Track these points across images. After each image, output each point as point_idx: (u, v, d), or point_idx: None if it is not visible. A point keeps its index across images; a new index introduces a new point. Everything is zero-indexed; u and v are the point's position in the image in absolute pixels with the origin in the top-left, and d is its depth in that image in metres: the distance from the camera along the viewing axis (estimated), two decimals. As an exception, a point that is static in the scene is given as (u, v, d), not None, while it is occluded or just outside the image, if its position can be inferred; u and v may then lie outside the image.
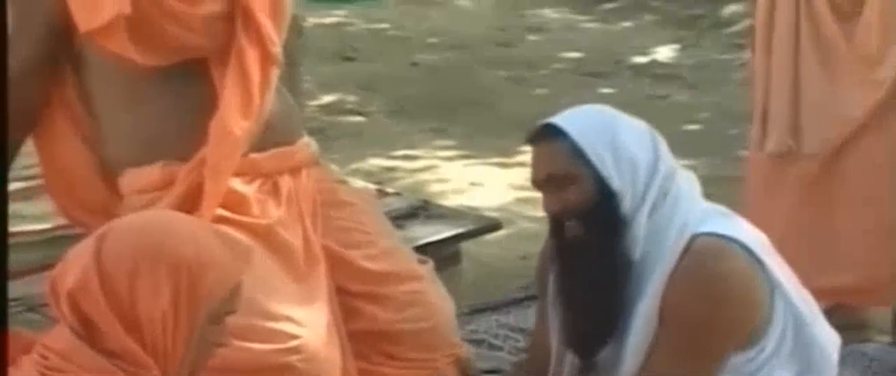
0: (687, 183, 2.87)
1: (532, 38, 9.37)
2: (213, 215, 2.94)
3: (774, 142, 4.40)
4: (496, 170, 6.62)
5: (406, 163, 6.77)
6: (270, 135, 3.08)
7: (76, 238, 2.70)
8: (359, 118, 7.54)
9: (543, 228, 5.74)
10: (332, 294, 3.09)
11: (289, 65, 3.17)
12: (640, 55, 8.84)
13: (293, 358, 2.92)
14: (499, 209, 5.74)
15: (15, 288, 2.36)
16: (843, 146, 4.34)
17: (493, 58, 8.69)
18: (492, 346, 4.42)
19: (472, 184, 6.45)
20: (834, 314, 3.44)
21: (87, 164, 3.14)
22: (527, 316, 4.61)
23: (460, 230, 3.92)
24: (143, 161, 3.04)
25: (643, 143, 2.83)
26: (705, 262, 2.77)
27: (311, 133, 3.31)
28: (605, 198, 2.78)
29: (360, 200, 3.29)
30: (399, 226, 3.60)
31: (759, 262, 2.81)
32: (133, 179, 3.06)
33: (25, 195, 3.48)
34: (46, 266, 2.48)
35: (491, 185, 6.41)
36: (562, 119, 2.84)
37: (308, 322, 2.97)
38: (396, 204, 3.91)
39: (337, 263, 3.12)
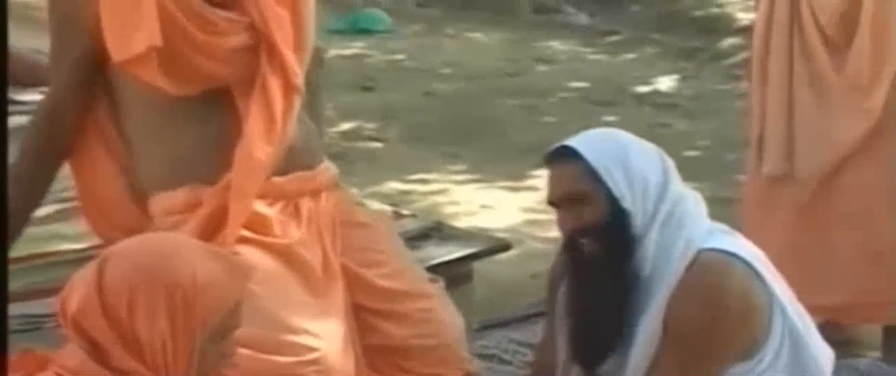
0: (693, 203, 2.88)
1: (541, 68, 9.38)
2: (237, 236, 2.94)
3: (770, 167, 4.40)
4: (506, 193, 6.62)
5: (421, 186, 6.77)
6: (292, 160, 3.08)
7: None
8: (376, 144, 7.54)
9: (551, 248, 5.75)
10: (348, 310, 3.08)
11: (310, 93, 3.17)
12: (642, 85, 8.84)
13: (311, 370, 2.92)
14: (508, 230, 5.74)
15: (51, 305, 2.37)
16: (834, 170, 4.35)
17: (503, 87, 8.69)
18: (502, 361, 4.42)
19: (483, 206, 6.44)
20: (825, 330, 3.43)
21: (119, 187, 3.14)
22: (535, 332, 4.59)
23: (472, 250, 3.91)
24: (171, 184, 3.04)
25: (654, 165, 2.84)
26: (708, 276, 2.77)
27: (332, 158, 3.31)
28: (617, 216, 2.78)
29: (376, 222, 3.29)
30: (414, 247, 3.59)
31: (759, 277, 2.81)
32: (162, 202, 3.06)
33: (61, 216, 3.49)
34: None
35: (501, 208, 6.40)
36: (577, 141, 2.84)
37: (326, 335, 2.96)
38: (412, 225, 3.90)
39: (354, 281, 3.11)
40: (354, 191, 3.66)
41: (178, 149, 3.05)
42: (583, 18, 11.31)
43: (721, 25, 10.27)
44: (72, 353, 2.27)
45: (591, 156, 2.80)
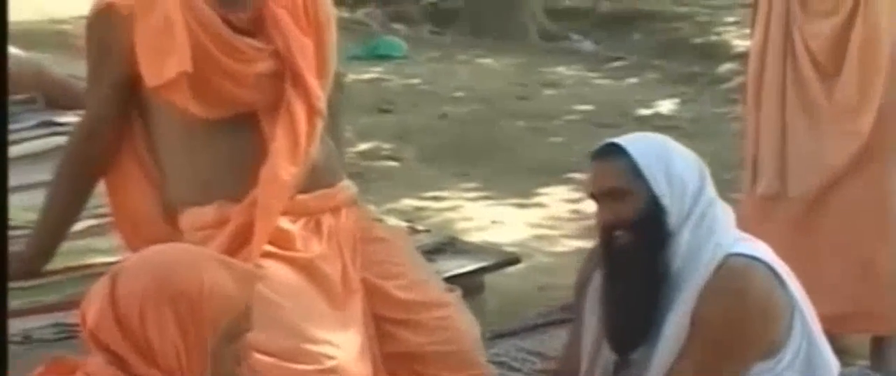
0: (722, 211, 2.91)
1: (548, 92, 9.37)
2: (262, 250, 2.94)
3: (764, 186, 4.40)
4: (515, 209, 6.61)
5: (435, 203, 6.76)
6: (314, 179, 3.08)
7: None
8: (393, 163, 7.54)
9: (557, 262, 5.77)
10: (368, 320, 3.08)
11: (331, 115, 3.17)
12: (644, 108, 8.83)
13: (330, 377, 2.93)
14: (517, 245, 5.73)
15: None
16: (825, 190, 4.34)
17: (512, 110, 8.69)
18: (511, 368, 4.41)
19: (494, 222, 6.44)
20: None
21: (150, 204, 3.15)
22: (543, 341, 4.60)
23: (483, 263, 3.91)
24: (200, 201, 3.05)
25: (692, 171, 2.88)
26: (735, 279, 2.80)
27: (351, 176, 3.31)
28: (654, 212, 2.81)
29: (393, 237, 3.29)
30: (428, 260, 3.59)
31: (781, 282, 2.84)
32: (191, 218, 3.07)
33: (96, 231, 3.49)
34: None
35: (510, 224, 6.40)
36: (625, 141, 2.88)
37: (344, 345, 2.97)
38: (426, 240, 3.90)
39: (374, 293, 3.11)
40: (372, 207, 3.67)
41: (207, 168, 3.06)
42: (588, 45, 11.32)
43: (719, 52, 10.27)
44: (96, 361, 2.28)
45: (636, 154, 2.83)
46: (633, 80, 9.77)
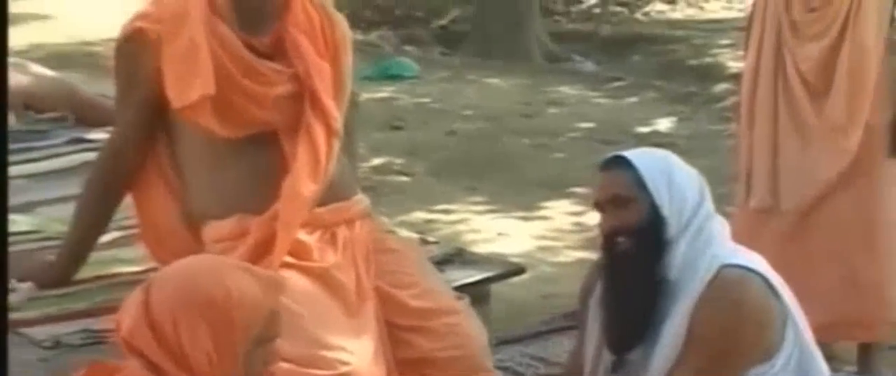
0: (719, 224, 2.92)
1: (551, 110, 9.37)
2: (281, 261, 2.95)
3: (757, 200, 4.40)
4: (520, 222, 6.61)
5: (444, 216, 6.76)
6: (330, 193, 3.08)
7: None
8: (404, 178, 7.54)
9: (560, 272, 5.76)
10: (381, 327, 3.08)
11: (345, 133, 3.18)
12: (643, 126, 8.83)
13: (344, 382, 2.92)
14: (522, 255, 5.72)
15: (111, 322, 2.38)
16: (815, 204, 4.34)
17: (518, 127, 8.69)
18: (516, 373, 4.41)
19: (500, 234, 6.43)
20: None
21: (174, 217, 3.15)
22: (546, 347, 4.60)
23: (489, 273, 3.90)
24: (221, 215, 3.05)
25: (693, 185, 2.90)
26: (731, 289, 2.80)
27: (364, 190, 3.31)
28: (654, 221, 2.83)
29: (405, 247, 3.29)
30: (438, 270, 3.59)
31: (774, 292, 2.85)
32: (213, 230, 3.07)
33: (122, 242, 3.49)
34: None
35: (516, 235, 6.40)
36: (631, 154, 2.91)
37: (358, 352, 2.96)
38: (436, 251, 3.89)
39: (387, 301, 3.11)
40: (385, 220, 3.66)
41: (229, 183, 3.06)
42: (589, 66, 11.33)
43: (714, 73, 10.27)
44: (133, 365, 2.28)
45: (641, 166, 2.86)
46: (633, 100, 9.77)
